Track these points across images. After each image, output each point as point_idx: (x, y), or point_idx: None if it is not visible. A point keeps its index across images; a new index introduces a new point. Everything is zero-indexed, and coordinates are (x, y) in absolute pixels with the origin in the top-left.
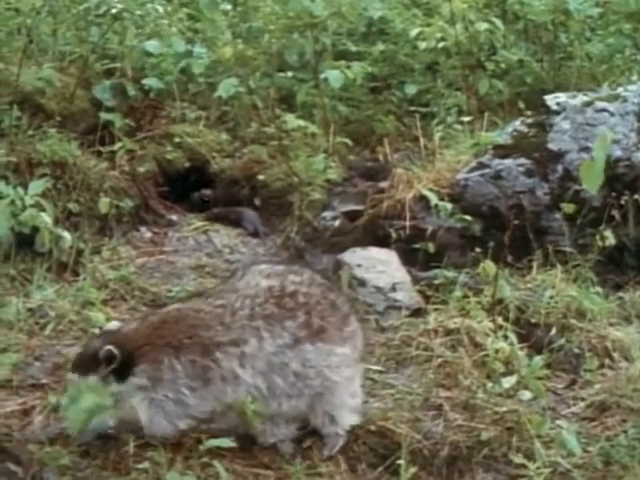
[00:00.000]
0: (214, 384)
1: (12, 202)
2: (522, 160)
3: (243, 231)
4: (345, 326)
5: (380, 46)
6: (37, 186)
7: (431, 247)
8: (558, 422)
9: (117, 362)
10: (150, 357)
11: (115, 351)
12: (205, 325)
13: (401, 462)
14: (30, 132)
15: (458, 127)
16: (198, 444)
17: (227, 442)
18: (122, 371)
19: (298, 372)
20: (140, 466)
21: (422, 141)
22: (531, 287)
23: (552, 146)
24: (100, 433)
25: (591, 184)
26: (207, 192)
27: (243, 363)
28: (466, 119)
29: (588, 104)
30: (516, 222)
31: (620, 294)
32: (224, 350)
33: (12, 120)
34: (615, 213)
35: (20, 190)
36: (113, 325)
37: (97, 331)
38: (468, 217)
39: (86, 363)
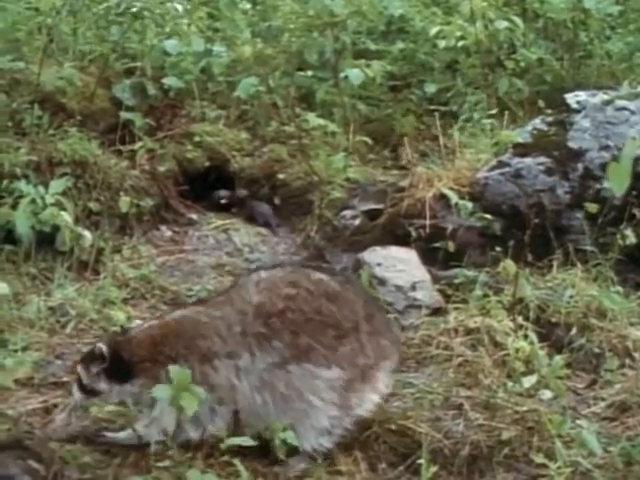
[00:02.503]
0: (215, 391)
1: (33, 201)
2: (542, 159)
3: (263, 229)
4: (341, 345)
5: (400, 45)
6: (58, 185)
7: (451, 246)
8: (579, 422)
9: (107, 362)
10: (149, 374)
11: (105, 351)
12: (202, 336)
13: (421, 461)
14: (51, 131)
15: (480, 125)
16: (219, 443)
17: (248, 441)
18: (117, 374)
19: (283, 393)
20: (161, 464)
21: (442, 140)
22: (551, 286)
23: (572, 144)
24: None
25: (617, 186)
26: (225, 193)
27: (239, 375)
28: (488, 118)
29: (608, 102)
30: (536, 221)
31: None
32: (221, 360)
33: (33, 119)
34: (636, 212)
35: (41, 189)
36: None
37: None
38: (488, 216)
39: (88, 356)
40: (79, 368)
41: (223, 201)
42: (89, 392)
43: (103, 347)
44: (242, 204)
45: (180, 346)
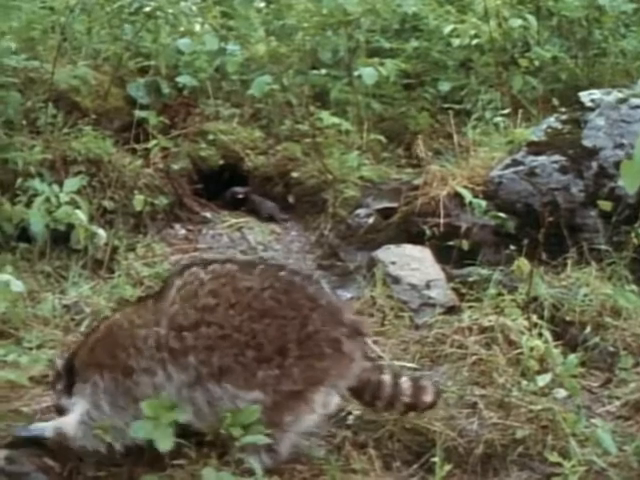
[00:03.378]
0: (139, 403)
1: (47, 199)
2: (556, 157)
3: (276, 228)
4: (261, 369)
5: (414, 43)
6: (73, 184)
7: (465, 244)
8: (593, 421)
9: (63, 376)
10: (82, 376)
11: (59, 365)
12: (122, 347)
13: (436, 460)
14: (65, 130)
15: (494, 124)
16: (233, 441)
17: (262, 439)
18: (69, 386)
19: (207, 409)
20: (176, 462)
21: (456, 138)
22: (566, 285)
23: (587, 143)
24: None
25: (630, 184)
26: (239, 189)
27: (157, 391)
28: (502, 116)
29: (623, 101)
30: (550, 219)
31: None
32: (139, 376)
33: (47, 118)
34: None
35: (55, 187)
36: None
37: None
38: (502, 214)
39: (55, 376)
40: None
41: (240, 196)
42: (62, 411)
43: (58, 361)
44: (248, 201)
45: (106, 356)
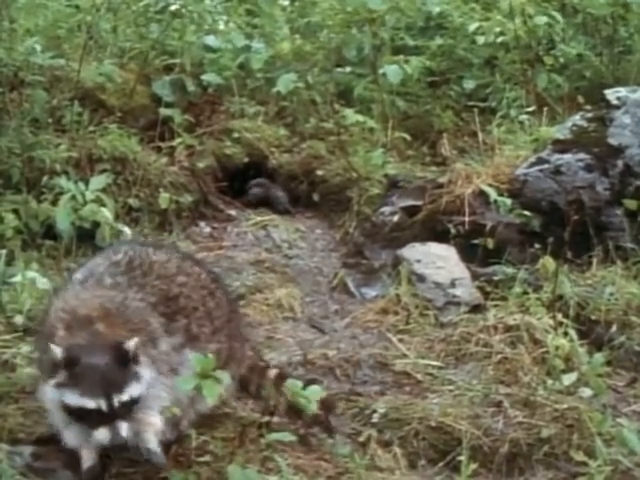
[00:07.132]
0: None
1: (73, 197)
2: (582, 155)
3: (301, 226)
4: (213, 341)
5: (438, 41)
6: (98, 182)
7: (490, 243)
8: (619, 420)
9: None
10: None
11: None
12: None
13: (461, 458)
14: (91, 128)
15: (519, 122)
16: (259, 438)
17: (288, 436)
18: None
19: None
20: (201, 459)
21: (481, 136)
22: (591, 283)
23: (612, 141)
24: None
25: None
26: (258, 190)
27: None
28: (527, 114)
29: None
30: (576, 218)
31: None
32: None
33: (73, 116)
34: None
35: (81, 185)
36: None
37: None
38: (527, 213)
39: None
40: None
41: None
42: None
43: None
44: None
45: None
